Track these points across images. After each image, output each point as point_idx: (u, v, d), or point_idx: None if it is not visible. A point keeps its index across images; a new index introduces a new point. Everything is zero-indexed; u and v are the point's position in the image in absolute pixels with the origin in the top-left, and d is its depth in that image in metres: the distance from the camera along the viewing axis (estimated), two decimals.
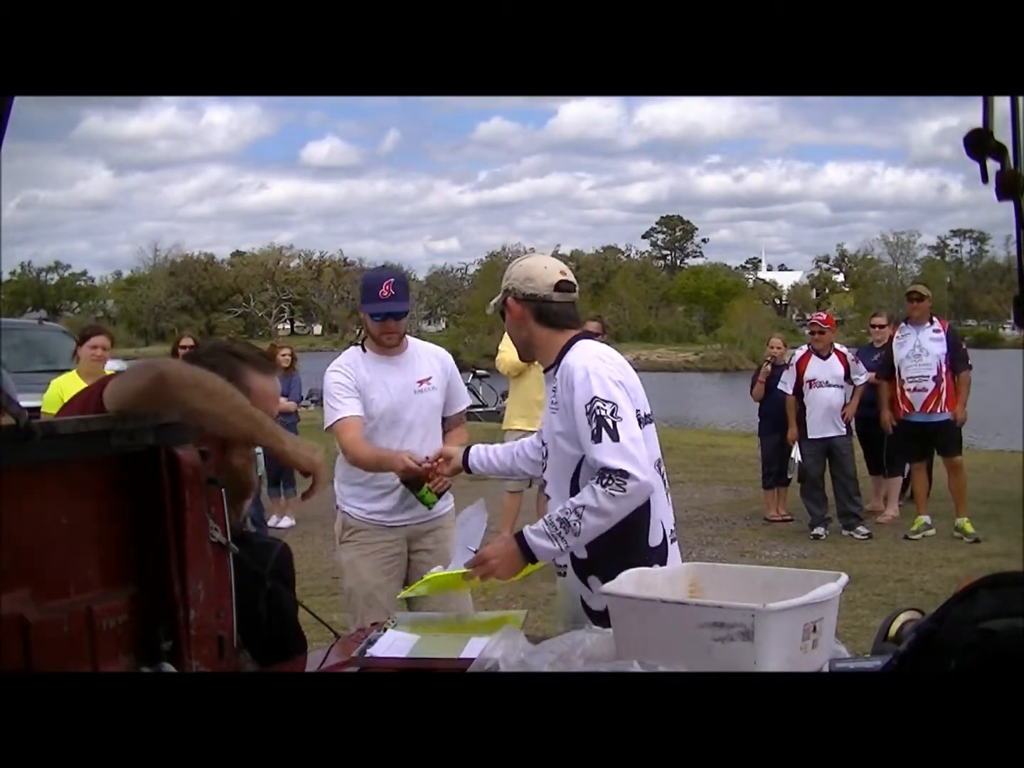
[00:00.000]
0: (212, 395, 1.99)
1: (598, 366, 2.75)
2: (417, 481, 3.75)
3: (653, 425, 2.91)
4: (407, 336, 4.22)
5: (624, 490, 2.58)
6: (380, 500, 4.06)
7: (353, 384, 4.07)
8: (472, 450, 3.26)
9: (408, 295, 4.18)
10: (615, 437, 2.61)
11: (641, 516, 2.73)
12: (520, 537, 2.69)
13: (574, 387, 2.72)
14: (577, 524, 2.60)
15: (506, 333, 8.92)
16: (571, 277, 2.97)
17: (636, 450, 2.63)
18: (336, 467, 4.21)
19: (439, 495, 3.87)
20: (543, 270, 2.94)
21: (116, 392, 1.93)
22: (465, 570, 2.80)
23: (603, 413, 2.64)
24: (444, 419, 4.23)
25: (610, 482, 2.58)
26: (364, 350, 4.12)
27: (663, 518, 2.84)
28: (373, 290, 4.02)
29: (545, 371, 2.96)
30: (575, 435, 2.73)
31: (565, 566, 2.86)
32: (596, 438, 2.63)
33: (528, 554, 2.68)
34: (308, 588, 6.99)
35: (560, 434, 2.80)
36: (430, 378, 4.14)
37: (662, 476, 2.87)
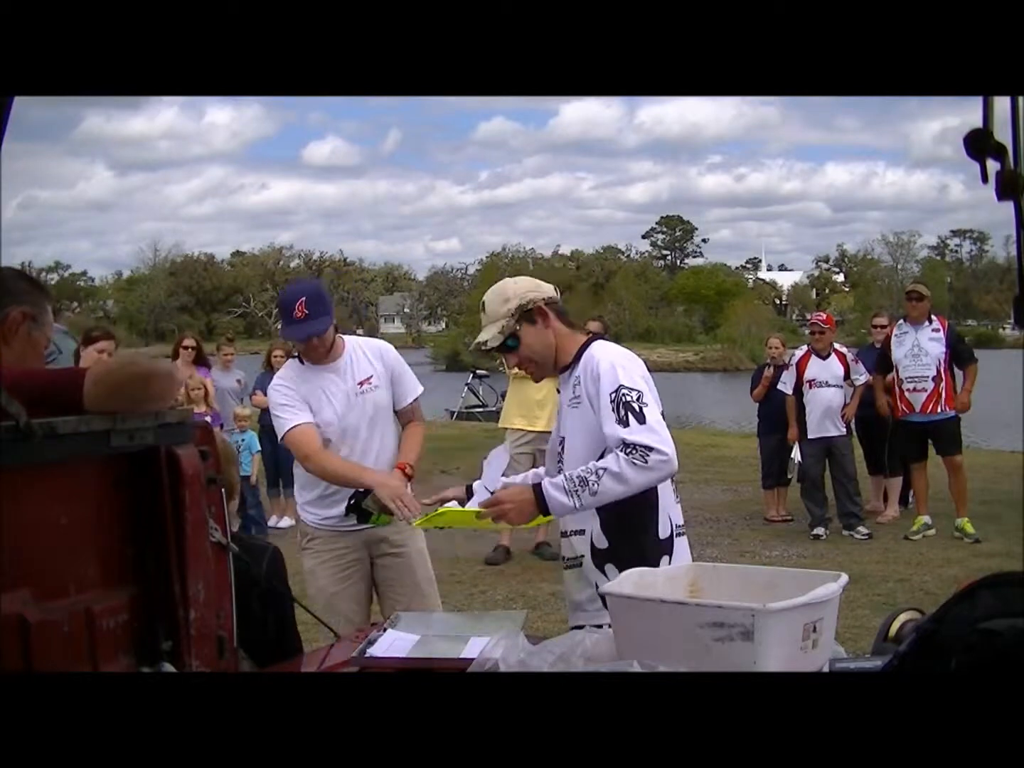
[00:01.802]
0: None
1: (623, 359, 2.85)
2: (366, 509, 3.77)
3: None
4: (344, 337, 4.11)
5: (646, 461, 2.65)
6: (334, 506, 3.97)
7: (296, 395, 4.00)
8: (474, 486, 3.19)
9: (326, 308, 3.94)
10: (642, 420, 2.70)
11: (650, 507, 2.81)
12: (537, 488, 2.74)
13: (599, 376, 2.79)
14: (595, 484, 2.66)
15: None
16: None
17: (661, 429, 2.72)
18: (294, 473, 4.18)
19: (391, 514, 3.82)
20: (537, 280, 3.06)
21: (120, 382, 1.92)
22: (479, 509, 2.86)
23: (629, 399, 2.72)
24: (397, 412, 4.13)
25: (633, 452, 2.65)
26: (301, 362, 4.04)
27: (671, 513, 2.90)
28: (287, 312, 3.89)
29: (561, 371, 3.00)
30: (599, 426, 2.78)
31: (581, 556, 2.89)
32: (623, 423, 2.70)
33: (542, 505, 2.73)
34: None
35: (585, 429, 2.85)
36: (370, 377, 4.02)
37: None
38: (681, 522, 2.96)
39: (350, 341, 4.12)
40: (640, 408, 2.72)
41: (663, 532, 2.87)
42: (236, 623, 2.11)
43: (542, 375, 3.04)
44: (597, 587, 2.82)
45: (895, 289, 65.83)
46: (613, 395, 2.74)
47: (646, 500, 2.79)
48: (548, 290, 3.01)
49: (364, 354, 4.07)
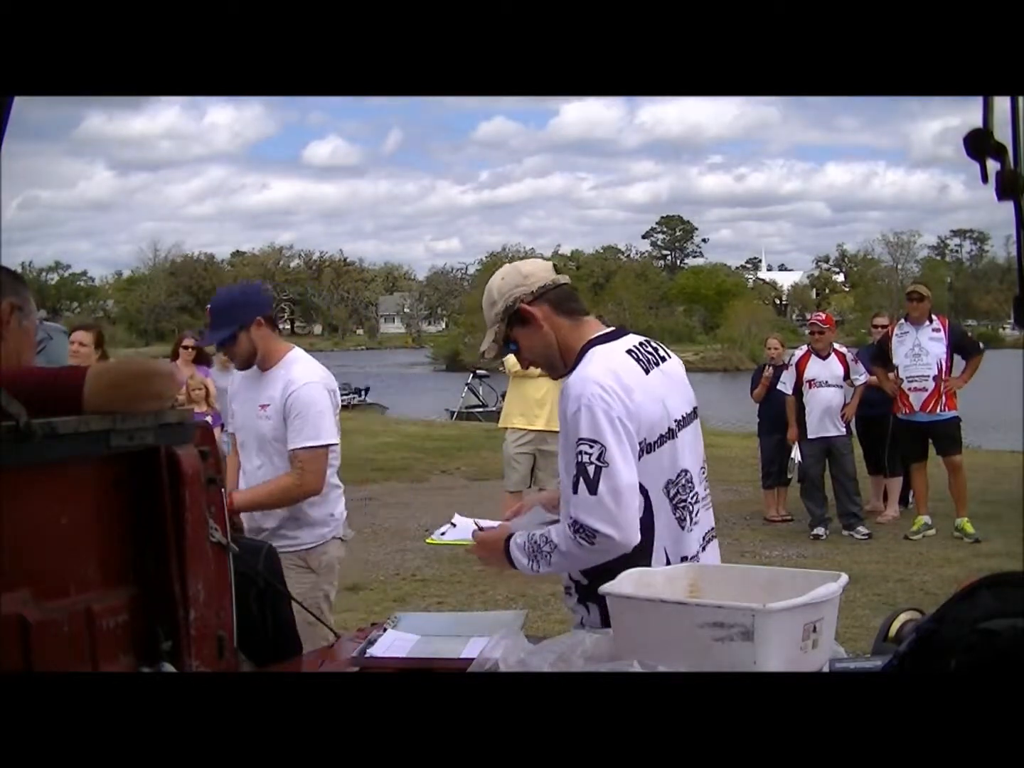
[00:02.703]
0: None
1: (593, 395, 2.46)
2: None
3: (689, 427, 2.68)
4: (292, 353, 3.94)
5: (592, 544, 2.42)
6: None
7: (228, 400, 4.14)
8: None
9: (227, 321, 3.80)
10: (592, 489, 2.41)
11: (642, 545, 2.52)
12: (507, 542, 2.61)
13: (566, 419, 2.50)
14: (548, 557, 2.51)
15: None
16: None
17: (614, 504, 2.42)
18: None
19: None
20: (530, 264, 2.73)
21: (121, 383, 1.92)
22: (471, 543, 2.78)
23: (584, 459, 2.43)
24: None
25: (580, 532, 2.43)
26: None
27: (668, 545, 2.58)
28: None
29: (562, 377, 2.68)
30: None
31: (568, 587, 2.71)
32: (573, 488, 2.44)
33: (510, 560, 2.60)
34: None
35: (566, 458, 2.57)
36: (268, 405, 3.83)
37: (671, 499, 2.60)
38: (692, 552, 2.62)
39: (290, 359, 3.90)
40: (595, 472, 2.41)
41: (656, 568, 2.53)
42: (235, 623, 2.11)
43: (558, 374, 2.72)
44: (582, 622, 2.62)
45: (895, 289, 65.86)
46: (574, 448, 2.45)
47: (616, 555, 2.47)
48: (539, 279, 2.65)
49: (282, 378, 3.85)
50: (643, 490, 2.53)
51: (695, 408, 2.74)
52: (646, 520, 2.54)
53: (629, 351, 2.63)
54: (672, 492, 2.61)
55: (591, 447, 2.43)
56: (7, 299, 2.15)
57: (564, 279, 2.70)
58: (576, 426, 2.46)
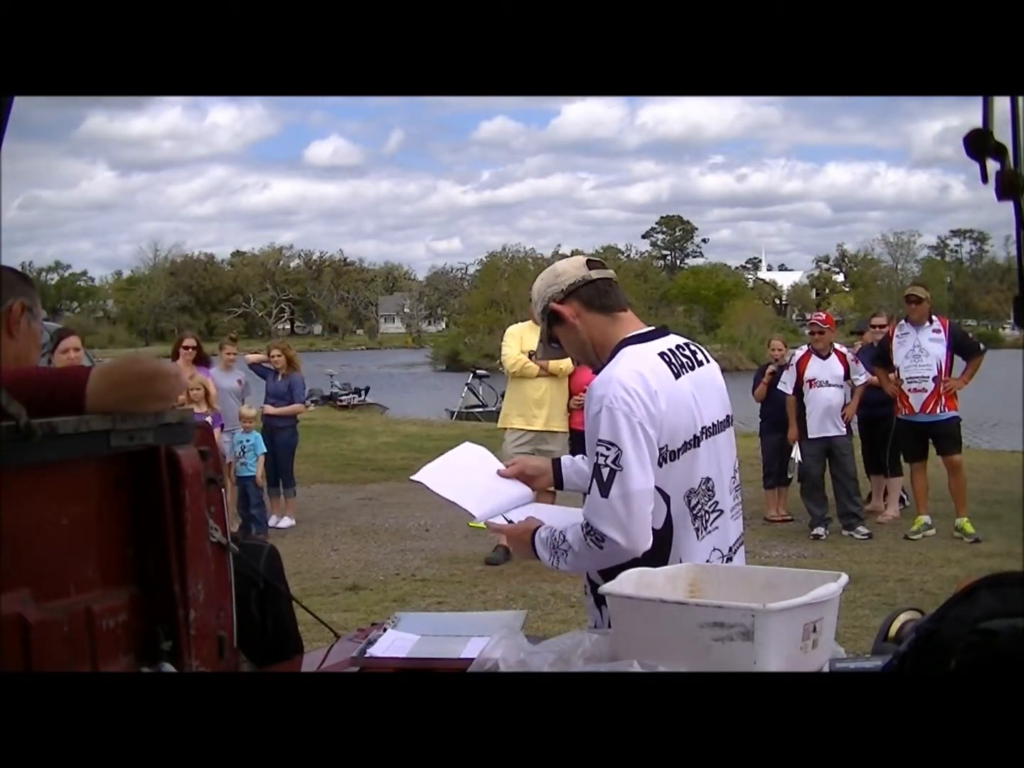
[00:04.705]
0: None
1: (615, 397, 2.44)
2: None
3: (721, 435, 2.63)
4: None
5: (601, 547, 2.43)
6: None
7: None
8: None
9: None
10: (604, 492, 2.41)
11: (660, 553, 2.49)
12: (533, 535, 2.61)
13: (589, 419, 2.51)
14: (565, 555, 2.52)
15: (508, 335, 8.81)
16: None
17: (624, 509, 2.41)
18: None
19: None
20: (565, 263, 2.75)
21: (127, 380, 1.92)
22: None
23: (600, 461, 2.43)
24: None
25: (590, 534, 2.44)
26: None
27: (683, 555, 2.53)
28: None
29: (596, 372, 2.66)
30: None
31: (586, 585, 2.72)
32: (589, 489, 2.46)
33: (534, 552, 2.62)
34: (308, 588, 6.99)
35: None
36: None
37: (691, 508, 2.56)
38: (702, 562, 2.53)
39: None
40: (609, 475, 2.41)
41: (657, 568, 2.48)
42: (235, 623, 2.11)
43: (596, 369, 2.68)
44: (595, 625, 2.61)
45: (895, 289, 65.87)
46: (595, 446, 2.46)
47: (653, 545, 2.47)
48: (569, 277, 2.65)
49: None
50: (665, 497, 2.50)
51: (729, 415, 2.70)
52: (666, 528, 2.52)
53: (662, 354, 2.57)
54: (693, 502, 2.56)
55: (608, 449, 2.42)
56: (19, 299, 2.15)
57: (599, 274, 2.67)
58: (596, 427, 2.45)
